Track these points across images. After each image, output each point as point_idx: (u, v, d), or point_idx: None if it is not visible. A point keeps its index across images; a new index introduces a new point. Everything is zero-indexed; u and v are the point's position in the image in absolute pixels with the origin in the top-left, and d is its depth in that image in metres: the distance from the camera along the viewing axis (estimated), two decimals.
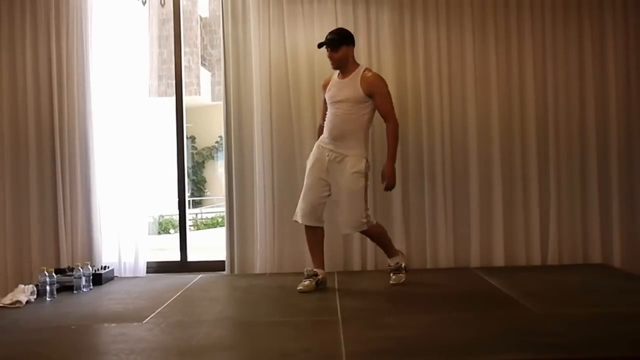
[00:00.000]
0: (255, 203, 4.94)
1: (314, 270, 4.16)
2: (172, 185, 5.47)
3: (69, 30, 4.98)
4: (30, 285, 4.14)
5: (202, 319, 3.55)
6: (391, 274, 4.24)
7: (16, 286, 4.15)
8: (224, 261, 5.03)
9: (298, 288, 4.08)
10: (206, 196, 17.50)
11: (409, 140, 4.94)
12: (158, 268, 5.22)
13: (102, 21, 5.03)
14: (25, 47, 4.99)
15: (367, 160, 4.11)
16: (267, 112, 4.94)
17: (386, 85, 4.14)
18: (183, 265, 5.26)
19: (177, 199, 5.37)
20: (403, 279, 4.20)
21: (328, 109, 4.18)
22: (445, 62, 4.94)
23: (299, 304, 3.81)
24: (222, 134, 5.13)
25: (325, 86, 4.26)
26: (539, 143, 4.92)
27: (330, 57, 4.10)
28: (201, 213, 15.94)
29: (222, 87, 5.10)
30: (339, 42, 4.07)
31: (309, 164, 4.22)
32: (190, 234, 6.08)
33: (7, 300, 3.94)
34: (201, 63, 16.01)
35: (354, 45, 4.18)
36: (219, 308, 3.91)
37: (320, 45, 4.18)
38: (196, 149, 17.40)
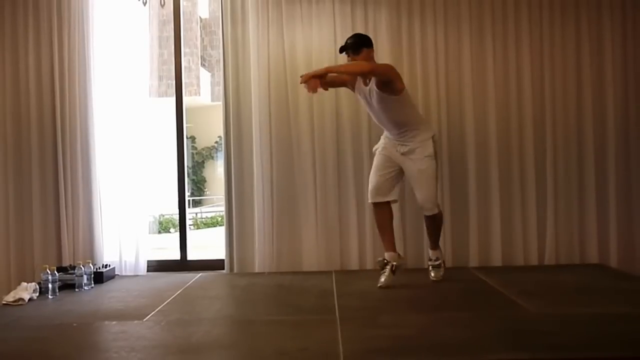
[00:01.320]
0: (254, 202, 4.95)
1: (385, 259, 4.18)
2: (172, 184, 5.48)
3: (70, 31, 4.99)
4: (33, 283, 4.16)
5: (202, 317, 3.57)
6: (431, 269, 4.34)
7: (19, 284, 4.16)
8: (223, 260, 5.04)
9: (378, 285, 4.10)
10: (206, 196, 17.51)
11: None
12: (158, 267, 5.23)
13: (103, 22, 5.04)
14: (28, 47, 5.00)
15: (433, 139, 4.15)
16: (265, 112, 4.95)
17: (387, 66, 4.11)
18: (183, 264, 5.27)
19: (177, 199, 5.38)
20: (441, 273, 4.31)
21: None
22: (443, 63, 4.94)
23: (297, 303, 3.82)
24: (222, 134, 5.13)
25: (352, 85, 4.27)
26: (537, 144, 4.93)
27: (353, 61, 4.08)
28: (201, 212, 15.94)
29: (221, 88, 5.11)
30: (359, 45, 4.08)
31: (377, 149, 4.28)
32: (190, 233, 6.08)
33: (10, 297, 3.96)
34: (201, 64, 16.01)
35: (373, 47, 4.18)
36: (218, 306, 3.91)
37: (342, 50, 4.15)
38: (196, 148, 17.41)
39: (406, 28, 4.96)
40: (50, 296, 4.09)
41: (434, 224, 4.30)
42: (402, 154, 4.14)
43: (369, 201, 4.29)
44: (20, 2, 5.01)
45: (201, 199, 17.33)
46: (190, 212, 14.19)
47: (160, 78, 14.57)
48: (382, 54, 4.93)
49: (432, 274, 4.32)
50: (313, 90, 3.89)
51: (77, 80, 4.98)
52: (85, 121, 5.00)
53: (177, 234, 5.52)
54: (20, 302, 3.91)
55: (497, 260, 4.87)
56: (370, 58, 4.10)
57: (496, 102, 4.93)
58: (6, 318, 3.60)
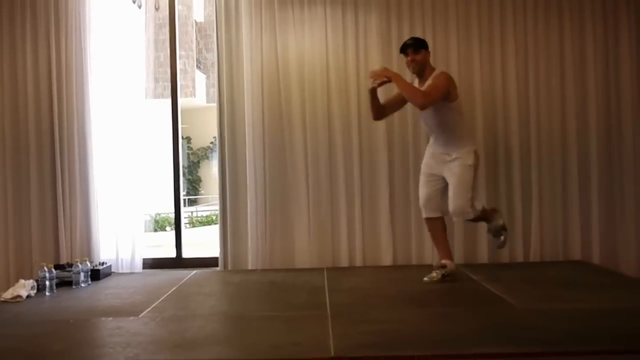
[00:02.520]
0: (247, 201, 4.93)
1: (441, 262, 4.20)
2: (168, 184, 5.45)
3: (67, 34, 4.96)
4: (31, 280, 4.13)
5: (196, 313, 3.55)
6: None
7: (17, 281, 4.14)
8: (217, 257, 5.02)
9: (424, 279, 4.13)
10: (201, 195, 17.47)
11: (395, 140, 4.95)
12: (154, 264, 5.20)
13: (100, 25, 5.01)
14: (26, 50, 4.97)
15: (475, 152, 4.16)
16: (259, 113, 4.93)
17: (445, 80, 4.08)
18: (178, 262, 5.25)
19: (172, 198, 5.35)
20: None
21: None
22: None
23: (290, 299, 3.81)
24: (216, 134, 5.11)
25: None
26: (522, 143, 4.93)
27: (412, 60, 4.14)
28: (196, 211, 15.91)
29: (216, 90, 5.09)
30: (419, 46, 4.16)
31: (423, 163, 4.34)
32: (186, 232, 6.05)
33: (8, 294, 3.93)
34: (196, 66, 15.97)
35: (429, 51, 4.23)
36: (212, 303, 3.90)
37: (402, 50, 4.22)
38: (192, 149, 17.36)
39: (396, 31, 4.96)
40: (47, 293, 4.07)
41: (480, 219, 4.28)
42: (445, 160, 4.14)
43: (423, 216, 4.33)
44: (18, 5, 4.98)
45: (196, 198, 17.29)
46: (185, 210, 14.17)
47: (156, 80, 14.51)
48: (372, 57, 4.95)
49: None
50: (379, 81, 4.03)
51: (75, 81, 4.96)
52: (82, 122, 4.97)
53: (173, 232, 5.50)
54: (18, 299, 3.89)
55: (483, 257, 4.88)
56: (427, 61, 4.17)
57: (482, 103, 4.92)
58: (4, 314, 3.58)
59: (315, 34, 4.97)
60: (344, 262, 4.91)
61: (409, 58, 4.17)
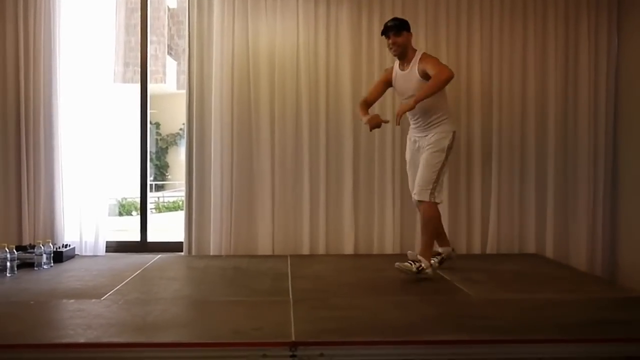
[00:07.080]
0: (212, 188, 4.88)
1: (436, 250, 4.16)
2: (135, 168, 5.35)
3: (36, 15, 4.81)
4: None
5: (159, 297, 3.50)
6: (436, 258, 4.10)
7: None
8: (182, 242, 4.96)
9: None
10: (169, 180, 17.29)
11: (362, 132, 4.94)
12: (118, 247, 5.12)
13: (71, 7, 4.88)
14: None
15: (454, 134, 4.07)
16: (228, 101, 4.88)
17: (432, 57, 4.04)
18: (143, 246, 5.18)
19: (139, 182, 5.26)
20: (410, 269, 3.82)
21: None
22: None
23: (253, 285, 3.78)
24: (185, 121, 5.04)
25: (389, 72, 4.21)
26: (483, 141, 4.98)
27: (393, 42, 4.02)
28: (163, 197, 15.75)
29: (186, 76, 5.01)
30: (401, 27, 4.04)
31: (407, 150, 4.33)
32: (153, 217, 5.95)
33: None
34: (168, 52, 15.75)
35: (411, 32, 4.11)
36: (175, 287, 3.85)
37: (383, 33, 4.09)
38: (160, 135, 17.14)
39: (366, 24, 4.95)
40: (8, 274, 3.96)
41: (422, 217, 4.09)
42: (420, 146, 4.10)
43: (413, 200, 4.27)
44: None
45: (164, 184, 17.10)
46: (152, 196, 14.03)
47: (126, 64, 14.28)
48: (343, 49, 4.94)
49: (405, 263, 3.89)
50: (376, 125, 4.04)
51: (42, 62, 4.82)
52: (49, 103, 4.84)
53: (139, 217, 5.41)
54: None
55: None
56: (409, 43, 4.07)
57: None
58: None
59: (286, 24, 4.92)
60: (307, 250, 4.90)
61: (390, 41, 4.04)
